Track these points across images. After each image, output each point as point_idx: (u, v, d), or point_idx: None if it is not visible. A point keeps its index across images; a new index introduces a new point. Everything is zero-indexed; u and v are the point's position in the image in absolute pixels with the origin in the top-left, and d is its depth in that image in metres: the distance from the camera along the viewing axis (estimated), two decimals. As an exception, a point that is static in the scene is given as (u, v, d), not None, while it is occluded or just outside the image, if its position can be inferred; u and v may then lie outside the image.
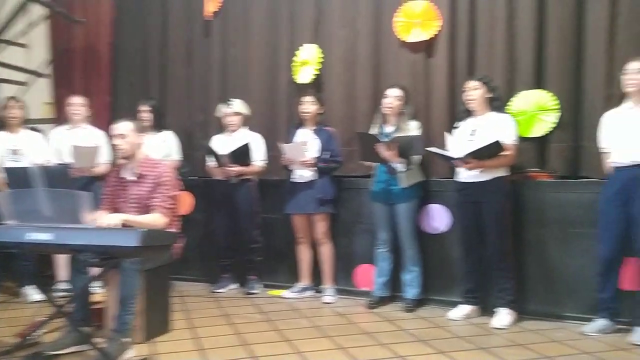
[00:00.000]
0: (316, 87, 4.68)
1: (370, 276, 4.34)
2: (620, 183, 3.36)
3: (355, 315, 3.97)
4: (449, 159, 3.74)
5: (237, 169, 4.42)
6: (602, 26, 3.74)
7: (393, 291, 4.25)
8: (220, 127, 4.73)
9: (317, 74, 4.71)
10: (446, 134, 3.87)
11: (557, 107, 3.89)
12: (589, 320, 3.55)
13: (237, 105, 4.62)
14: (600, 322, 3.48)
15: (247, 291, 4.58)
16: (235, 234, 4.59)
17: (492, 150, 3.58)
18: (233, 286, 4.73)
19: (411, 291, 4.12)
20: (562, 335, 3.48)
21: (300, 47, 4.77)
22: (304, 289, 4.50)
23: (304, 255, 4.50)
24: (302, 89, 4.66)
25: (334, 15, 4.70)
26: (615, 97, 3.51)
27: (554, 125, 3.91)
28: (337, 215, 4.45)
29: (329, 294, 4.36)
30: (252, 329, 3.60)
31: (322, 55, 4.70)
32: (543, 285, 3.86)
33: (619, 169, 3.38)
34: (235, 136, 4.58)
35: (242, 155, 4.37)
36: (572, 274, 3.75)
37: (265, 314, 3.99)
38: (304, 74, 4.73)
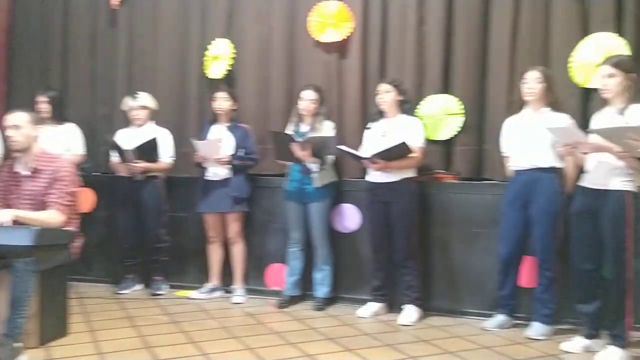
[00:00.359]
0: (228, 82, 4.58)
1: (281, 275, 4.31)
2: (519, 186, 3.53)
3: (265, 315, 3.92)
4: (358, 158, 3.80)
5: (142, 165, 4.25)
6: (505, 37, 3.94)
7: (304, 290, 4.25)
8: (126, 121, 4.52)
9: (229, 70, 4.62)
10: None
11: (462, 111, 4.03)
12: (490, 315, 3.71)
13: (144, 99, 4.44)
14: (500, 318, 3.65)
15: (152, 292, 4.41)
16: (140, 232, 4.41)
17: (399, 152, 3.66)
18: (137, 287, 4.54)
19: (322, 290, 4.14)
20: (464, 330, 3.61)
21: (213, 42, 4.65)
22: (213, 290, 4.40)
23: (214, 254, 4.40)
24: (214, 84, 4.56)
25: (248, 11, 4.64)
26: (515, 103, 3.68)
27: (459, 129, 4.04)
28: (250, 214, 4.39)
29: (238, 294, 4.29)
30: (157, 331, 3.47)
31: (235, 51, 4.61)
32: (447, 282, 4.00)
33: (518, 172, 3.56)
34: (141, 131, 4.40)
35: (148, 150, 4.20)
36: (475, 271, 3.91)
37: (171, 315, 3.86)
38: (216, 69, 4.63)
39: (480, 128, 4.08)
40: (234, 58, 4.62)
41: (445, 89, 4.12)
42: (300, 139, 3.89)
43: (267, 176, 4.46)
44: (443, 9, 4.10)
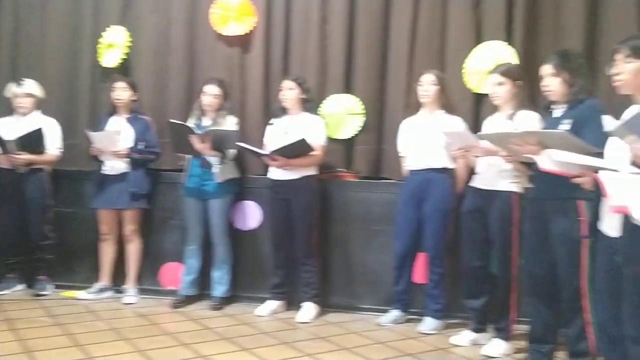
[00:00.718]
0: (123, 72, 4.36)
1: (177, 274, 4.17)
2: (413, 185, 3.64)
3: (158, 315, 3.78)
4: (259, 155, 3.75)
5: (25, 156, 3.95)
6: (404, 41, 4.05)
7: (201, 289, 4.13)
8: (9, 109, 4.18)
9: (125, 59, 4.41)
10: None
11: (363, 111, 4.09)
12: (385, 311, 3.79)
13: (30, 86, 4.13)
14: (394, 313, 3.74)
15: (35, 293, 4.11)
16: (22, 229, 4.10)
17: (299, 149, 3.65)
18: (19, 287, 4.23)
19: (219, 289, 4.04)
20: (360, 326, 3.67)
21: (107, 29, 4.41)
22: (103, 290, 4.17)
23: (106, 252, 4.18)
24: (108, 74, 4.33)
25: (145, 1, 4.48)
26: (412, 105, 3.78)
27: (359, 129, 4.10)
28: (147, 211, 4.19)
29: (130, 294, 4.10)
30: (39, 334, 3.24)
31: (131, 39, 4.41)
32: (346, 279, 4.05)
33: (412, 172, 3.67)
34: (25, 120, 4.10)
35: (32, 141, 3.92)
36: (372, 268, 3.98)
37: (56, 317, 3.62)
38: (110, 58, 4.40)
39: (380, 128, 4.16)
40: (129, 47, 4.42)
41: (347, 88, 4.17)
42: (200, 132, 3.78)
43: (164, 171, 4.30)
44: (346, 9, 4.15)
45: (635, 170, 1.68)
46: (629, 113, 2.13)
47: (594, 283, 2.48)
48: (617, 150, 1.99)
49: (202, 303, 4.06)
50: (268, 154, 3.70)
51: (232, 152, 3.92)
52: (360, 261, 4.01)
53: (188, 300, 4.05)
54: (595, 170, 1.97)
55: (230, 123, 3.98)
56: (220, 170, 3.89)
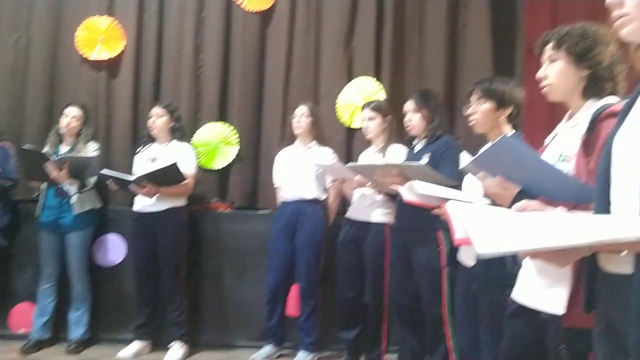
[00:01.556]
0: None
1: (29, 316, 3.78)
2: (286, 216, 3.62)
3: (5, 363, 3.39)
4: (125, 183, 3.51)
5: None
6: (279, 74, 4.11)
7: (57, 332, 3.77)
8: None
9: (-24, 78, 4.03)
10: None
11: (237, 141, 4.04)
12: (260, 347, 3.68)
13: None
14: (267, 349, 3.65)
15: None
16: None
17: (169, 175, 3.47)
18: None
19: (77, 331, 3.73)
20: (232, 364, 3.54)
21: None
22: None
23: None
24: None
25: (3, 16, 4.16)
26: (287, 137, 3.81)
27: (234, 158, 4.04)
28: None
29: (-28, 341, 3.64)
30: None
31: (-15, 57, 4.05)
32: (218, 315, 3.90)
33: (286, 204, 3.65)
34: None
35: None
36: (246, 303, 3.87)
37: None
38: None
39: (255, 159, 4.15)
40: (-17, 64, 4.05)
41: (222, 118, 4.12)
42: (56, 158, 3.50)
43: (16, 202, 3.94)
44: (221, 39, 4.14)
45: (488, 202, 1.78)
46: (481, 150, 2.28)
47: (454, 311, 2.59)
48: (472, 184, 2.11)
49: (58, 347, 3.70)
50: (134, 180, 3.47)
51: (92, 180, 3.69)
52: (234, 296, 3.90)
53: (41, 344, 3.68)
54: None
55: (90, 149, 3.76)
56: (78, 200, 3.63)
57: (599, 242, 0.99)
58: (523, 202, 1.25)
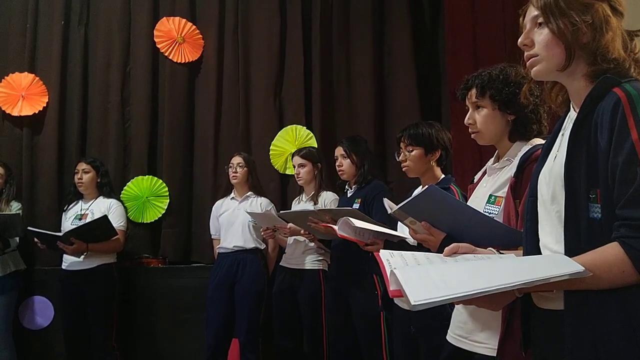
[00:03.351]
0: None
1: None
2: (224, 268, 3.59)
3: None
4: (52, 239, 3.35)
5: None
6: (209, 123, 4.15)
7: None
8: None
9: None
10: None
11: (166, 193, 4.00)
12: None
13: None
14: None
15: None
16: None
17: (99, 229, 3.41)
18: None
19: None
20: None
21: None
22: None
23: None
24: None
25: None
26: (222, 187, 3.84)
27: (164, 212, 4.00)
28: None
29: None
30: None
31: None
32: (154, 376, 3.75)
33: (223, 255, 3.60)
34: None
35: None
36: (182, 360, 3.75)
37: None
38: None
39: (187, 211, 4.15)
40: None
41: (151, 170, 4.10)
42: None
43: None
44: (148, 92, 4.16)
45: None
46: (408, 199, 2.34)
47: (394, 355, 2.58)
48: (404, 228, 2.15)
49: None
50: (62, 236, 3.36)
51: (15, 240, 3.59)
52: (169, 354, 3.82)
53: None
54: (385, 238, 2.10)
55: (13, 209, 3.69)
56: (1, 262, 3.52)
57: (529, 283, 1.02)
58: (453, 245, 1.28)
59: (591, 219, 1.08)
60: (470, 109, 1.76)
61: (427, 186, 1.67)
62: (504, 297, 1.19)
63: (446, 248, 1.27)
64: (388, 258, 1.22)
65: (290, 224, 3.18)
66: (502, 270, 1.10)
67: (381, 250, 1.28)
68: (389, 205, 1.97)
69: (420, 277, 1.07)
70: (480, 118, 1.73)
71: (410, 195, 2.46)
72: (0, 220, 3.47)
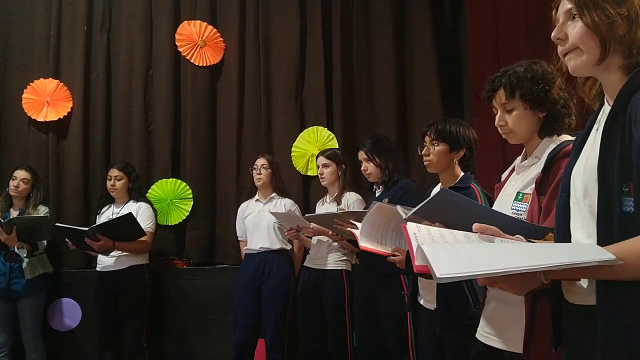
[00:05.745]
0: None
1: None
2: (252, 269, 3.68)
3: None
4: (80, 237, 3.46)
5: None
6: (232, 125, 4.28)
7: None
8: None
9: None
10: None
11: (190, 196, 4.13)
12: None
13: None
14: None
15: None
16: None
17: (125, 227, 3.50)
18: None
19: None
20: None
21: None
22: None
23: None
24: None
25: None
26: (245, 189, 3.96)
27: (188, 214, 4.14)
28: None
29: None
30: None
31: None
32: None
33: (250, 256, 3.68)
34: None
35: None
36: (210, 360, 3.85)
37: None
38: None
39: (211, 213, 4.27)
40: None
41: (175, 173, 4.25)
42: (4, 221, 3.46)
43: None
44: (170, 94, 4.28)
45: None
46: (433, 193, 2.36)
47: (419, 354, 2.61)
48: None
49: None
50: (88, 231, 3.45)
51: (43, 243, 3.72)
52: (199, 354, 3.97)
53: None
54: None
55: (41, 213, 3.81)
56: (29, 264, 3.64)
57: (557, 265, 1.02)
58: (483, 225, 1.26)
59: (624, 213, 1.08)
60: (499, 110, 1.76)
61: (439, 190, 1.67)
62: (529, 282, 1.17)
63: (476, 224, 1.27)
64: (415, 232, 1.23)
65: (313, 224, 3.23)
66: (530, 252, 1.10)
67: (408, 223, 1.29)
68: (403, 211, 1.99)
69: (447, 252, 1.08)
70: (512, 119, 1.73)
71: (428, 195, 2.49)
72: (28, 224, 3.59)
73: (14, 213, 3.75)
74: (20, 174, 3.76)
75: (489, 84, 1.77)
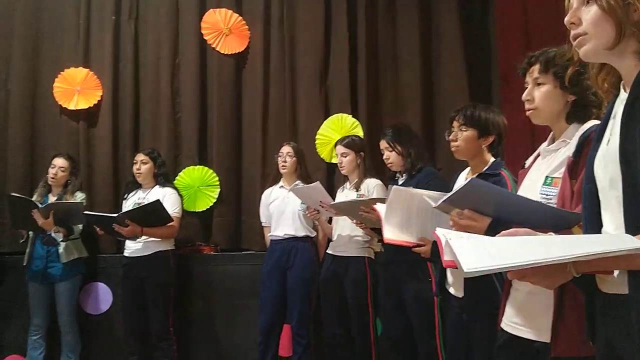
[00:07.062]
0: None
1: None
2: (277, 255, 3.77)
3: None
4: (109, 223, 3.58)
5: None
6: (257, 113, 4.36)
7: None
8: None
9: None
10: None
11: (217, 183, 4.20)
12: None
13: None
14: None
15: None
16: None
17: (153, 213, 3.61)
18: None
19: (67, 381, 3.74)
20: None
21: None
22: None
23: None
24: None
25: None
26: (270, 176, 4.03)
27: (215, 201, 4.20)
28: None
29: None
30: None
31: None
32: (209, 358, 4.04)
33: (275, 242, 3.73)
34: None
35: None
36: (237, 345, 4.09)
37: None
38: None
39: (237, 199, 4.36)
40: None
41: (201, 160, 4.33)
42: (42, 206, 3.59)
43: (3, 254, 4.11)
44: (196, 82, 4.37)
45: None
46: (459, 181, 2.36)
47: (446, 342, 2.63)
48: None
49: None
50: (117, 217, 3.56)
51: (78, 227, 3.85)
52: (225, 338, 4.11)
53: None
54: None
55: (78, 199, 3.94)
56: (65, 248, 3.80)
57: (586, 255, 1.02)
58: (512, 230, 1.25)
59: None
60: (530, 85, 1.74)
61: (469, 179, 1.67)
62: (559, 275, 1.17)
63: (504, 232, 1.24)
64: (444, 233, 1.26)
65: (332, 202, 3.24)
66: (559, 244, 1.10)
67: (437, 228, 1.31)
68: (430, 198, 1.99)
69: (474, 246, 1.09)
70: (539, 94, 1.71)
71: (457, 178, 2.49)
72: (64, 209, 3.72)
73: (52, 199, 3.88)
74: (59, 162, 3.89)
75: (527, 59, 1.75)
